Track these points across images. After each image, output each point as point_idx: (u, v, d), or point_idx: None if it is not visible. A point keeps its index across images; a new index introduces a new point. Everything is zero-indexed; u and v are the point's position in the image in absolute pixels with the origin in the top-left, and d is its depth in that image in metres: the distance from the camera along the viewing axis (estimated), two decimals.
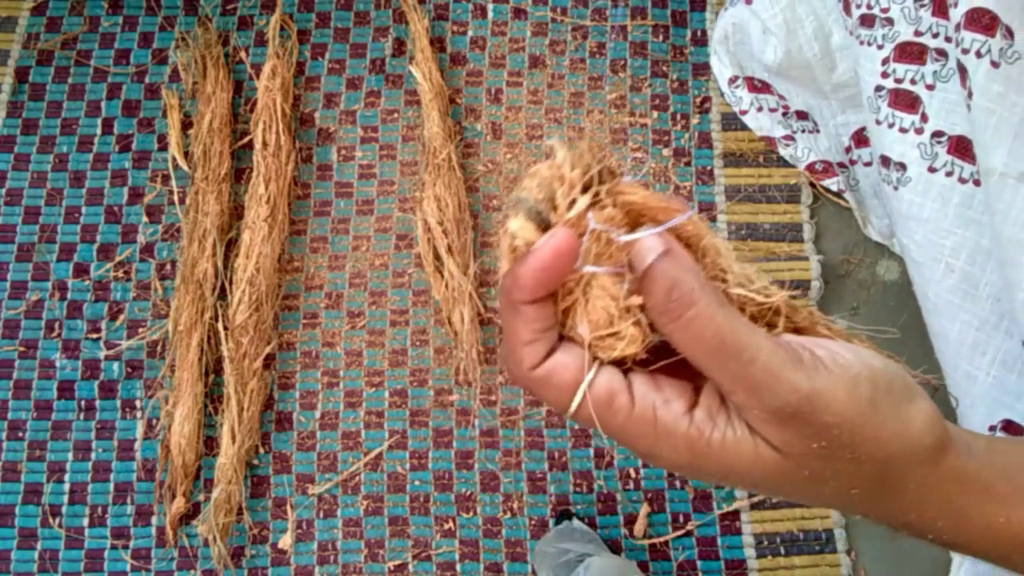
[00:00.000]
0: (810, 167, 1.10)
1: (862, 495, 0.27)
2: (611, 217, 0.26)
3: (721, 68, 1.15)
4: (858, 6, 0.71)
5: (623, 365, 0.27)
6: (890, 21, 0.68)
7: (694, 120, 1.17)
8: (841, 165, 1.08)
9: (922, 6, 0.66)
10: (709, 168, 1.15)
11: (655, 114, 1.17)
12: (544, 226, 0.26)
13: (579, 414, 0.26)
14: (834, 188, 1.10)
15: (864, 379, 0.26)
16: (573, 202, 0.25)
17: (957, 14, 0.57)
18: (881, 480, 0.26)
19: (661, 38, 1.20)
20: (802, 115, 1.08)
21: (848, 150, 1.04)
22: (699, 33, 1.20)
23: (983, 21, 0.56)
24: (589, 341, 0.26)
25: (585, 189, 0.26)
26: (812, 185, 1.13)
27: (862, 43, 0.72)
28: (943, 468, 0.27)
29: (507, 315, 0.26)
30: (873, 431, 0.25)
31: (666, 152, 1.16)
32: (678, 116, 1.17)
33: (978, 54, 0.57)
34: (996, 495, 0.28)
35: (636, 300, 0.25)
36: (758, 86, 1.11)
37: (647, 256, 0.25)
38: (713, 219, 1.13)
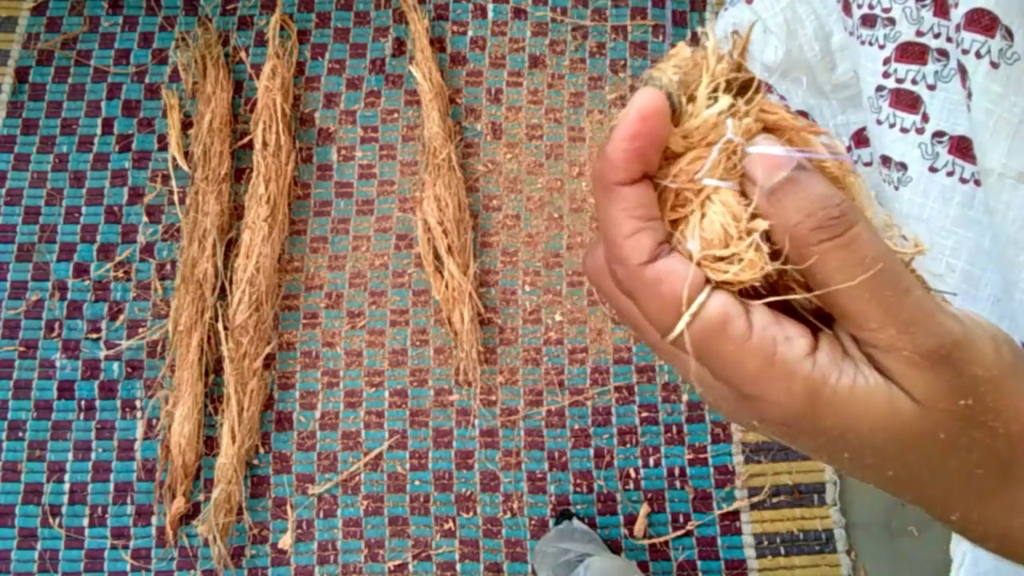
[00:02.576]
0: None
1: (986, 477, 0.23)
2: (748, 130, 0.23)
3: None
4: (859, 6, 0.71)
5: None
6: (891, 21, 0.68)
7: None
8: None
9: (923, 6, 0.66)
10: None
11: None
12: (673, 116, 0.23)
13: (686, 335, 0.22)
14: None
15: (1004, 341, 0.23)
16: (713, 99, 0.22)
17: (957, 15, 0.57)
18: (1008, 463, 0.23)
19: (661, 38, 1.20)
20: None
21: (848, 150, 1.04)
22: (699, 33, 1.20)
23: (983, 22, 0.56)
24: (699, 259, 0.22)
25: (727, 90, 0.23)
26: None
27: (863, 43, 0.72)
28: None
29: (602, 203, 0.22)
30: (1015, 398, 0.22)
31: None
32: None
33: (978, 55, 0.57)
34: None
35: (762, 224, 0.22)
36: None
37: (797, 173, 0.22)
38: None
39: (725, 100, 0.23)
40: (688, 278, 0.22)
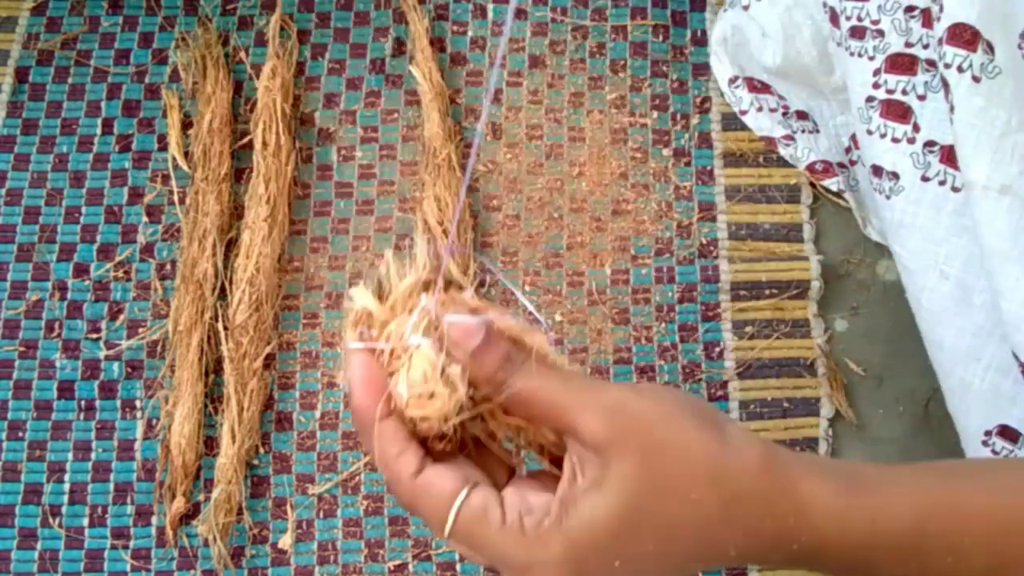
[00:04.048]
0: (810, 167, 1.10)
1: (704, 500, 0.28)
2: (442, 309, 0.32)
3: (721, 68, 1.15)
4: (847, 18, 0.72)
5: (462, 450, 0.33)
6: (880, 33, 0.69)
7: (694, 120, 1.17)
8: (841, 165, 1.08)
9: (912, 17, 0.66)
10: (709, 168, 1.15)
11: (655, 114, 1.17)
12: (380, 295, 0.33)
13: (455, 529, 0.28)
14: (834, 188, 1.10)
15: (669, 397, 0.30)
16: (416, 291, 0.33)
17: (940, 28, 0.58)
18: (723, 504, 0.28)
19: (661, 38, 1.20)
20: (802, 115, 1.09)
21: (848, 150, 1.04)
22: (699, 33, 1.20)
23: (964, 36, 0.56)
24: (407, 399, 0.30)
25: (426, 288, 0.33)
26: (812, 185, 1.13)
27: (852, 54, 0.73)
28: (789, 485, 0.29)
29: (368, 441, 0.30)
30: (685, 431, 0.28)
31: (666, 152, 1.16)
32: (678, 116, 1.17)
33: (960, 69, 0.57)
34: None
35: (455, 368, 0.31)
36: (758, 86, 1.11)
37: (487, 338, 0.31)
38: (713, 219, 1.14)
39: (422, 297, 0.32)
40: (450, 478, 0.29)
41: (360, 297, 0.32)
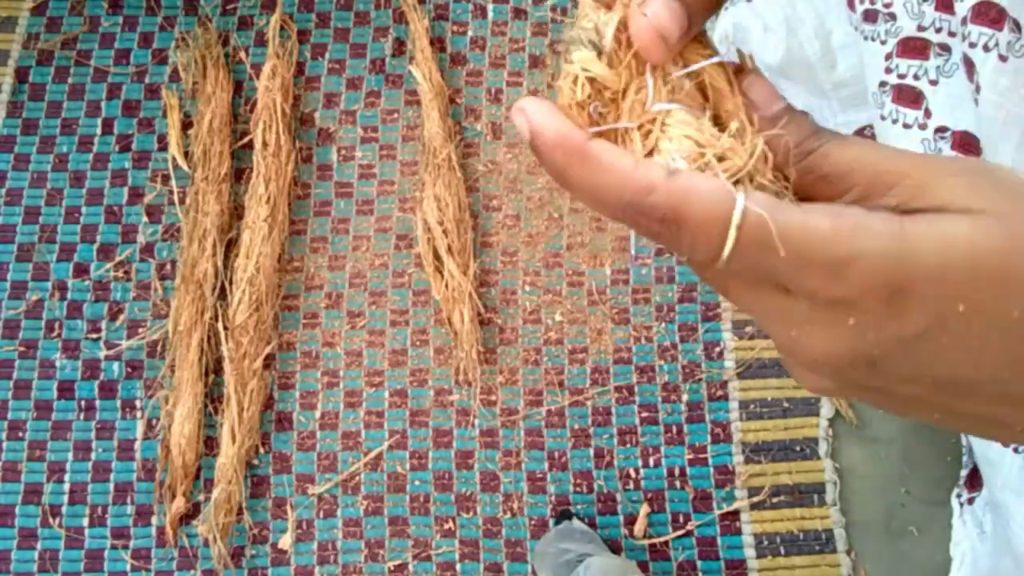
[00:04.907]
0: None
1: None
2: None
3: None
4: (861, 1, 0.71)
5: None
6: (892, 16, 0.68)
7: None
8: None
9: (925, 0, 0.65)
10: None
11: None
12: (601, 57, 0.23)
13: (741, 244, 0.19)
14: None
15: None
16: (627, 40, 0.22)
17: (964, 8, 0.57)
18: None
19: None
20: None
21: None
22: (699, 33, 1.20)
23: (990, 15, 0.56)
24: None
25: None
26: None
27: (866, 39, 0.72)
28: None
29: (583, 171, 0.20)
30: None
31: None
32: None
33: (985, 48, 0.56)
34: None
35: (733, 123, 0.21)
36: None
37: (785, 103, 0.21)
38: None
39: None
40: (714, 186, 0.19)
41: (583, 60, 0.23)
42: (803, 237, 0.18)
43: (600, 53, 0.23)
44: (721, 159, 0.20)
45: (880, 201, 0.20)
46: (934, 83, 0.68)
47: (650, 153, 0.21)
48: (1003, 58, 0.57)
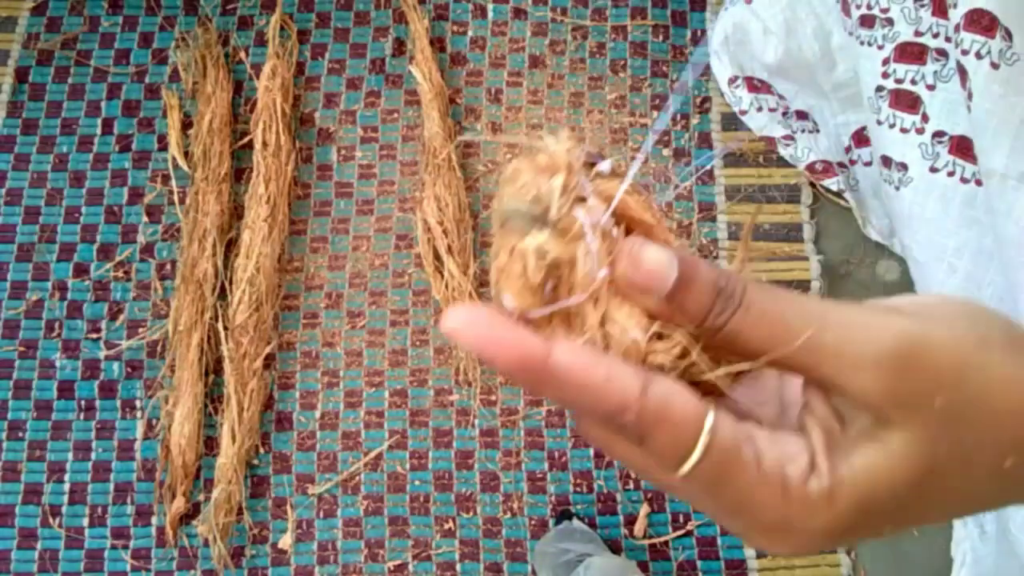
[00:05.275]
0: (810, 167, 1.10)
1: (1020, 467, 0.21)
2: (598, 205, 0.21)
3: (721, 68, 1.15)
4: (858, 7, 0.71)
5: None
6: (890, 21, 0.68)
7: (694, 120, 1.17)
8: (841, 165, 1.08)
9: (922, 6, 0.66)
10: (709, 168, 1.15)
11: (655, 114, 1.17)
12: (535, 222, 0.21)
13: (700, 467, 0.20)
14: (834, 188, 1.10)
15: (961, 315, 0.21)
16: (572, 199, 0.21)
17: (956, 15, 0.57)
18: None
19: (661, 38, 1.20)
20: (802, 115, 1.08)
21: (848, 150, 1.04)
22: (699, 33, 1.20)
23: (983, 23, 0.56)
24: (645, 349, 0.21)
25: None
26: (812, 185, 1.13)
27: (862, 43, 0.72)
28: None
29: (551, 387, 0.20)
30: (995, 372, 0.20)
31: (666, 152, 1.16)
32: (678, 116, 1.17)
33: (978, 55, 0.57)
34: None
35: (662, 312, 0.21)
36: (758, 86, 1.11)
37: (684, 270, 0.20)
38: (713, 219, 1.13)
39: (592, 196, 0.21)
40: (691, 398, 0.20)
41: (540, 243, 0.21)
42: (751, 484, 0.20)
43: (544, 226, 0.21)
44: (660, 336, 0.21)
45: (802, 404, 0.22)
46: (931, 88, 0.68)
47: (603, 323, 0.21)
48: (995, 65, 0.57)
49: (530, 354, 0.19)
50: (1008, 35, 0.55)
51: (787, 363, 0.21)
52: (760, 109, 1.12)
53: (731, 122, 1.16)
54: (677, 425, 0.20)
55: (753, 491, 0.20)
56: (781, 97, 1.09)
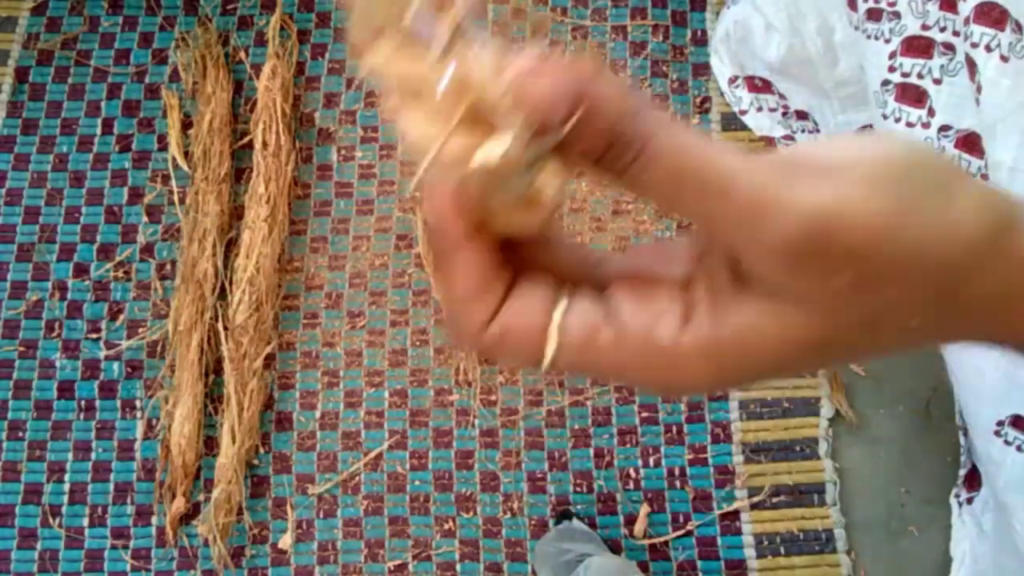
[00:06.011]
0: None
1: (926, 323, 0.20)
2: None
3: (721, 68, 1.15)
4: (865, 0, 0.71)
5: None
6: (897, 15, 0.68)
7: (694, 120, 1.17)
8: None
9: (929, 0, 0.66)
10: None
11: None
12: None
13: (559, 364, 0.20)
14: None
15: (880, 176, 0.19)
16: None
17: (966, 8, 0.57)
18: (941, 297, 0.20)
19: (661, 38, 1.20)
20: (802, 115, 1.08)
21: None
22: (699, 33, 1.20)
23: (992, 15, 0.56)
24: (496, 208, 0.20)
25: None
26: None
27: (869, 37, 0.72)
28: (1018, 252, 0.20)
29: (437, 262, 0.21)
30: (910, 238, 0.19)
31: None
32: (678, 116, 1.17)
33: (987, 48, 0.56)
34: None
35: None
36: (758, 86, 1.11)
37: (566, 93, 0.18)
38: None
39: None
40: (535, 310, 0.20)
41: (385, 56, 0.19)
42: (619, 358, 0.20)
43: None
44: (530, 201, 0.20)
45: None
46: (938, 82, 0.68)
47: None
48: (1005, 59, 0.57)
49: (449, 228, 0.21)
50: (1018, 28, 0.55)
51: (685, 218, 0.20)
52: (760, 109, 1.12)
53: (731, 122, 1.16)
54: (520, 344, 0.20)
55: (622, 364, 0.20)
56: (782, 96, 1.09)
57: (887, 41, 0.70)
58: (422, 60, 0.19)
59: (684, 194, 0.19)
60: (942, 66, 0.67)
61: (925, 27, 0.67)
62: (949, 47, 0.66)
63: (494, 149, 0.19)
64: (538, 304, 0.21)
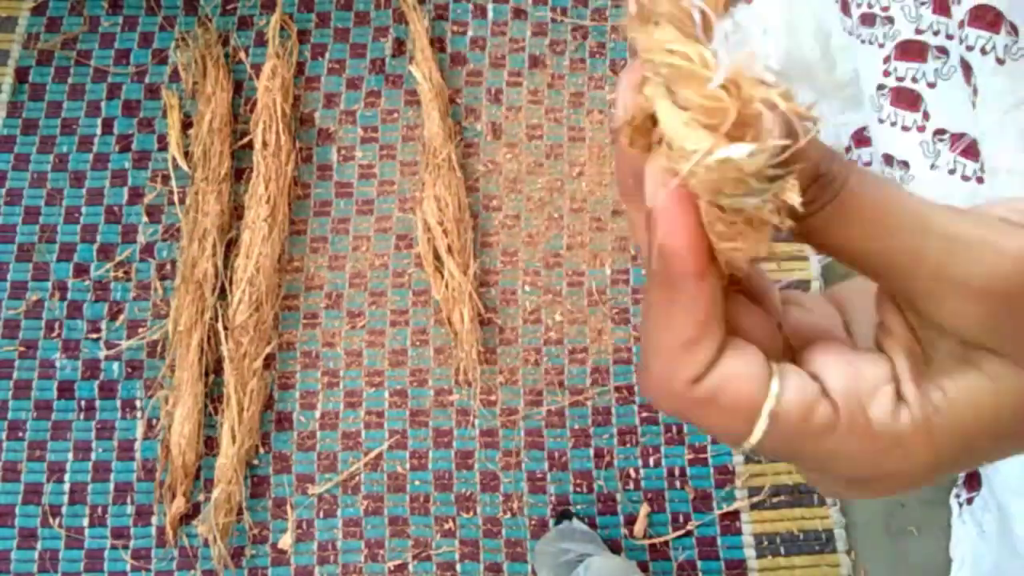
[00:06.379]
0: None
1: None
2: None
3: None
4: (858, 5, 0.71)
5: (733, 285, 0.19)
6: (890, 20, 0.68)
7: None
8: None
9: (922, 4, 0.66)
10: None
11: None
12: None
13: (764, 444, 0.18)
14: None
15: None
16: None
17: (960, 11, 0.57)
18: None
19: None
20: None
21: (848, 150, 1.04)
22: None
23: (987, 18, 0.56)
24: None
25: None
26: None
27: (863, 42, 0.72)
28: None
29: (658, 296, 0.18)
30: None
31: None
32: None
33: (983, 51, 0.57)
34: None
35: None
36: None
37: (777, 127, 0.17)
38: None
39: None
40: (752, 377, 0.17)
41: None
42: (831, 444, 0.18)
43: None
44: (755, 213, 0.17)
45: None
46: (932, 85, 0.68)
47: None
48: (1000, 61, 0.57)
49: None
50: (1013, 30, 0.55)
51: (870, 268, 0.18)
52: None
53: None
54: (730, 409, 0.18)
55: (836, 448, 0.18)
56: None
57: (881, 46, 0.70)
58: (696, 49, 0.17)
59: (881, 230, 0.17)
60: (936, 70, 0.67)
61: (919, 31, 0.67)
62: (943, 51, 0.66)
63: (740, 148, 0.16)
64: (756, 368, 0.18)
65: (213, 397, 1.07)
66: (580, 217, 1.14)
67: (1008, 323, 0.17)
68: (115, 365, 1.10)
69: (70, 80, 1.20)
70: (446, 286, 1.06)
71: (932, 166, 0.70)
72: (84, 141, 1.18)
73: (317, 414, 1.08)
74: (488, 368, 1.08)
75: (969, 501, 0.96)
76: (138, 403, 1.08)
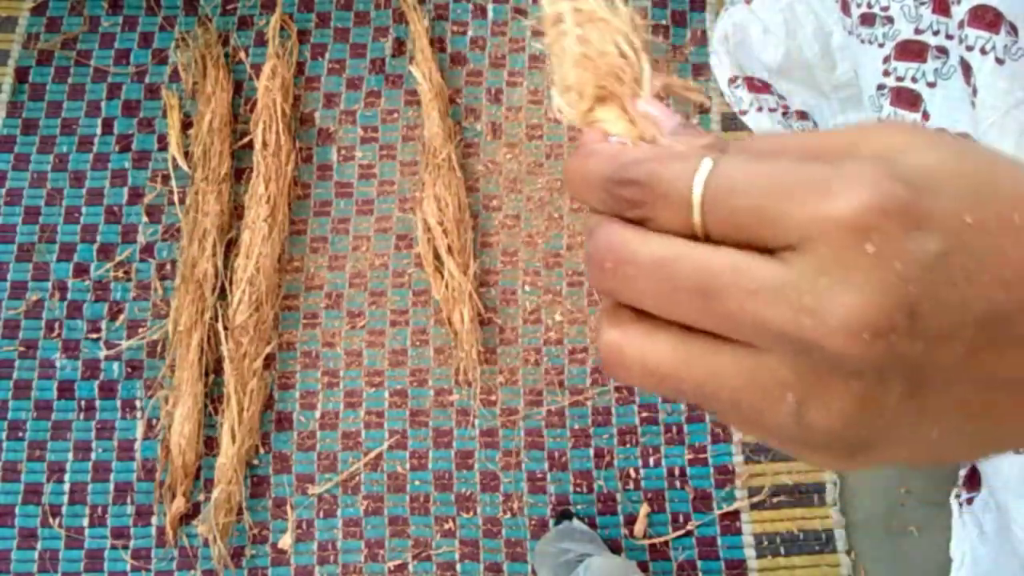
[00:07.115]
0: None
1: None
2: None
3: (721, 68, 1.15)
4: (858, 5, 0.72)
5: None
6: (890, 19, 0.69)
7: (694, 120, 1.17)
8: None
9: (922, 4, 0.66)
10: None
11: None
12: None
13: (710, 208, 0.18)
14: None
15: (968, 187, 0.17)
16: None
17: (960, 11, 0.57)
18: None
19: (661, 38, 1.20)
20: (802, 115, 1.08)
21: None
22: (699, 33, 1.20)
23: (987, 18, 0.56)
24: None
25: None
26: None
27: (863, 42, 0.73)
28: None
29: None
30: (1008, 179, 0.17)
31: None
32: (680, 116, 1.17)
33: (983, 51, 0.57)
34: None
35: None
36: (758, 86, 1.11)
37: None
38: None
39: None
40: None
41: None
42: (779, 170, 0.17)
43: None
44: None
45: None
46: (932, 85, 0.68)
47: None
48: (1000, 61, 0.57)
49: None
50: (1013, 30, 0.55)
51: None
52: (760, 109, 1.12)
53: (731, 122, 1.16)
54: (676, 165, 0.19)
55: (777, 172, 0.17)
56: (781, 97, 1.09)
57: (881, 45, 0.70)
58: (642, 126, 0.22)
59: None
60: (936, 69, 0.67)
61: (918, 31, 0.67)
62: (943, 51, 0.66)
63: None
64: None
65: (213, 397, 1.07)
66: (580, 217, 1.14)
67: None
68: (115, 365, 1.10)
69: (70, 80, 1.20)
70: (446, 286, 1.06)
71: None
72: (84, 141, 1.18)
73: (317, 414, 1.08)
74: (488, 368, 1.08)
75: (969, 501, 0.96)
76: (138, 403, 1.08)
